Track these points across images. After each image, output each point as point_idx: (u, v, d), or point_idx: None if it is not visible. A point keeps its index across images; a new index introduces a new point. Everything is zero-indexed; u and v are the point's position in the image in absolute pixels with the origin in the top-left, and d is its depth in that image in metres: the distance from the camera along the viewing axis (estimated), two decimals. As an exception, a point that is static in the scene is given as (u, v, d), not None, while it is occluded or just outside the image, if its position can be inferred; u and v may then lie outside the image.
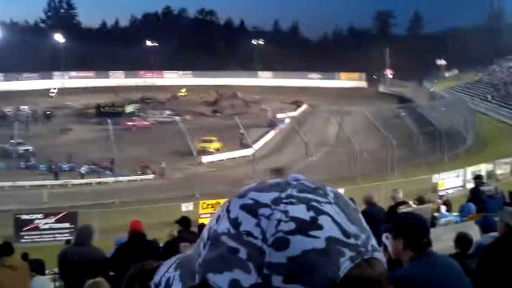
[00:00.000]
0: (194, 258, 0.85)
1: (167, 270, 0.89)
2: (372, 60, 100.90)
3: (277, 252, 0.76)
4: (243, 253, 0.78)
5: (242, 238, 0.79)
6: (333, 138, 53.54)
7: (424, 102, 64.63)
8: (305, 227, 0.77)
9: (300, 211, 0.79)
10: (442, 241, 7.63)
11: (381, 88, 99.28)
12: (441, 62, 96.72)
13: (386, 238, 3.87)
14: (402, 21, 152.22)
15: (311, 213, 0.79)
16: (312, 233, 0.77)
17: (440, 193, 25.55)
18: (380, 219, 9.23)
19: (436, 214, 13.35)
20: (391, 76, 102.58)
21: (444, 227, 11.50)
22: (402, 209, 9.39)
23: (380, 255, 0.82)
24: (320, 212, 0.79)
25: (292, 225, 0.78)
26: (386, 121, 47.71)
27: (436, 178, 30.79)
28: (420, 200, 11.99)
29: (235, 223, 0.81)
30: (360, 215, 0.85)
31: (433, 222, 11.16)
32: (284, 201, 0.81)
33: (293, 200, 0.81)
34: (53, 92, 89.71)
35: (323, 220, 0.78)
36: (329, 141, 53.00)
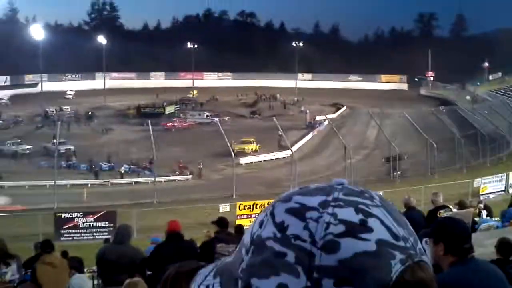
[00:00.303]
0: (235, 264, 0.83)
1: (205, 278, 0.88)
2: (414, 62, 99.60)
3: (327, 255, 0.75)
4: (291, 257, 0.76)
5: (290, 242, 0.77)
6: (373, 140, 53.07)
7: (467, 105, 63.43)
8: (355, 230, 0.76)
9: (349, 214, 0.78)
10: (483, 247, 7.45)
11: (422, 91, 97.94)
12: (485, 64, 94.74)
13: (426, 243, 3.78)
14: (444, 23, 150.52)
15: (360, 216, 0.78)
16: (363, 235, 0.76)
17: (481, 198, 25.01)
18: (419, 223, 9.05)
19: (477, 219, 13.08)
20: (432, 79, 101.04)
21: (485, 232, 11.25)
22: (443, 213, 9.19)
23: (427, 259, 0.81)
24: (369, 214, 0.78)
25: (341, 228, 0.77)
26: (427, 123, 47.02)
27: (477, 182, 30.17)
28: (461, 205, 11.73)
29: (282, 227, 0.79)
30: (405, 219, 0.83)
31: (474, 227, 10.92)
32: (332, 204, 0.80)
33: (341, 203, 0.80)
34: (70, 94, 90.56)
35: (372, 222, 0.78)
36: (368, 144, 52.54)
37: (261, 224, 0.82)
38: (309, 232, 0.77)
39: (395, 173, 37.25)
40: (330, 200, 0.80)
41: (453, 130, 42.93)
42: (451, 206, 11.25)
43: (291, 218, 0.79)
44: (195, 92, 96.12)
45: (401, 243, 0.78)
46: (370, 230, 0.77)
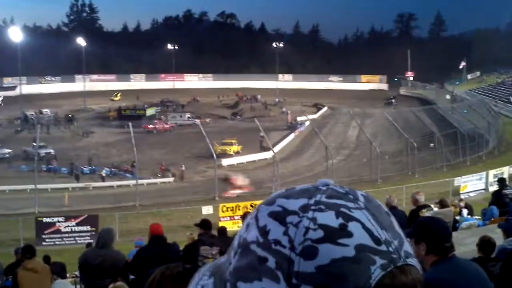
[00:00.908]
0: (225, 266, 0.83)
1: (201, 277, 0.87)
2: (393, 62, 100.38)
3: (305, 261, 0.74)
4: (271, 262, 0.76)
5: (271, 247, 0.77)
6: (354, 140, 53.37)
7: (446, 104, 64.04)
8: (334, 235, 0.75)
9: (329, 218, 0.77)
10: (464, 245, 7.55)
11: (402, 91, 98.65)
12: (463, 64, 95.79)
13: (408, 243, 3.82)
14: (423, 23, 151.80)
15: (340, 220, 0.76)
16: (341, 241, 0.74)
17: (462, 196, 25.27)
18: (401, 223, 9.12)
19: (458, 217, 13.21)
20: (412, 79, 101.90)
21: (466, 231, 11.38)
22: (425, 212, 9.27)
23: (414, 261, 0.79)
24: (350, 218, 0.77)
25: (320, 233, 0.75)
26: (407, 123, 47.40)
27: (458, 181, 30.49)
28: (442, 203, 11.83)
29: (264, 231, 0.79)
30: (393, 219, 0.82)
31: (455, 225, 11.04)
32: (313, 207, 0.78)
33: (322, 207, 0.78)
34: None
35: (352, 227, 0.76)
36: (349, 144, 52.82)
37: (247, 227, 0.82)
38: (289, 238, 0.76)
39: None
40: (311, 204, 0.79)
41: (432, 129, 43.31)
42: (432, 205, 11.35)
43: (273, 223, 0.79)
44: (117, 94, 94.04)
45: (383, 247, 0.76)
46: (349, 235, 0.75)
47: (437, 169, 38.00)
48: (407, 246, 0.80)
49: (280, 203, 0.81)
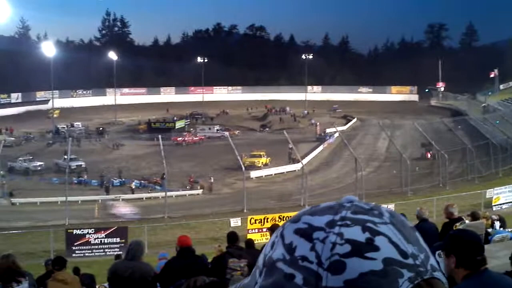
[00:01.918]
0: (251, 286, 0.83)
1: None
2: (424, 73, 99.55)
3: (333, 276, 0.75)
4: (299, 279, 0.76)
5: (298, 263, 0.77)
6: (384, 152, 52.91)
7: (478, 115, 63.14)
8: (361, 249, 0.76)
9: (355, 233, 0.78)
10: (497, 258, 7.34)
11: (433, 102, 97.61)
12: (495, 74, 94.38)
13: (439, 256, 3.73)
14: (455, 33, 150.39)
15: (367, 235, 0.77)
16: (369, 254, 0.75)
17: (494, 208, 24.77)
18: (432, 235, 8.96)
19: (490, 230, 12.91)
20: (443, 89, 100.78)
21: (498, 244, 11.09)
22: (458, 226, 9.07)
23: (440, 275, 0.80)
24: (376, 233, 0.78)
25: (347, 248, 0.76)
26: (438, 134, 46.81)
27: (490, 193, 29.89)
28: (474, 216, 11.57)
29: (290, 248, 0.79)
30: (418, 234, 0.82)
31: (487, 238, 10.79)
32: (339, 223, 0.79)
33: (348, 222, 0.79)
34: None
35: (379, 241, 0.77)
36: (379, 156, 52.37)
37: (272, 246, 0.83)
38: (316, 253, 0.77)
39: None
40: (337, 220, 0.80)
41: (464, 140, 42.68)
42: (464, 218, 11.13)
43: (299, 239, 0.79)
44: (56, 111, 80.00)
45: (410, 261, 0.76)
46: (376, 248, 0.76)
47: (469, 181, 37.37)
48: (433, 260, 0.80)
49: (306, 220, 0.82)
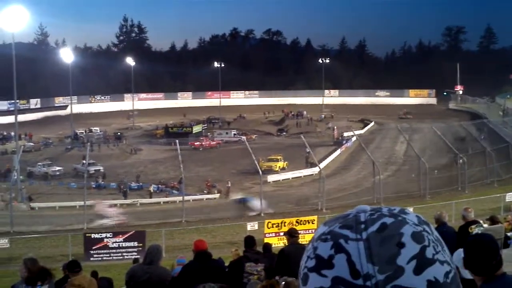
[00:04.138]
0: None
1: None
2: (442, 76, 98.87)
3: (302, 287, 0.85)
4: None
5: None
6: (402, 156, 52.53)
7: (497, 118, 62.47)
8: (320, 265, 0.81)
9: (325, 249, 0.82)
10: (518, 263, 7.21)
11: (451, 105, 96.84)
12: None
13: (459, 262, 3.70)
14: (473, 36, 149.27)
15: (331, 251, 0.81)
16: (324, 271, 0.81)
17: (514, 212, 24.40)
18: (450, 238, 8.84)
19: (509, 234, 12.73)
20: (461, 92, 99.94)
21: (519, 248, 10.92)
22: (474, 228, 8.95)
23: None
24: (340, 250, 0.81)
25: (313, 262, 0.83)
26: (457, 138, 46.39)
27: (509, 196, 29.49)
28: (493, 220, 11.41)
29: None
30: (403, 252, 0.81)
31: (507, 242, 10.63)
32: (322, 237, 0.84)
33: (328, 237, 0.83)
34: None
35: (338, 259, 0.80)
36: (397, 159, 52.02)
37: None
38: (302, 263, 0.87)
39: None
40: (325, 233, 0.85)
41: (483, 143, 42.23)
42: (481, 221, 10.98)
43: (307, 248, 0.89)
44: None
45: (359, 281, 0.78)
46: (331, 266, 0.80)
47: (488, 185, 36.95)
48: (403, 281, 0.79)
49: (318, 229, 0.90)
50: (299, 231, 11.81)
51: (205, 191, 43.48)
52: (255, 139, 64.90)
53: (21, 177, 42.18)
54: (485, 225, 10.42)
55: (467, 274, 3.74)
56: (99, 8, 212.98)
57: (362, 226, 0.83)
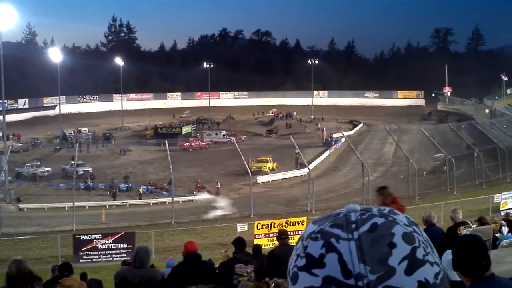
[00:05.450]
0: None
1: None
2: (430, 77, 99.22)
3: (292, 286, 0.84)
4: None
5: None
6: (390, 157, 52.73)
7: (485, 119, 62.86)
8: (311, 264, 0.81)
9: (316, 248, 0.82)
10: (505, 263, 7.30)
11: (440, 106, 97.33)
12: (503, 78, 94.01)
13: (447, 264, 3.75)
14: (461, 38, 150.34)
15: (322, 250, 0.81)
16: (314, 270, 0.80)
17: (502, 213, 24.59)
18: (439, 240, 8.92)
19: (497, 235, 12.84)
20: (449, 94, 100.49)
21: (507, 249, 11.02)
22: (462, 229, 9.04)
23: None
24: (331, 249, 0.80)
25: (303, 261, 0.82)
26: (445, 139, 46.61)
27: (498, 197, 29.72)
28: (481, 221, 11.52)
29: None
30: (394, 252, 0.81)
31: (495, 243, 10.73)
32: (313, 236, 0.84)
33: (318, 236, 0.83)
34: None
35: (329, 258, 0.80)
36: (386, 161, 52.21)
37: None
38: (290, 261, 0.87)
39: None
40: (315, 231, 0.84)
41: (471, 145, 42.48)
42: (470, 223, 11.08)
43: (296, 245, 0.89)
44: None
45: (351, 281, 0.78)
46: (322, 265, 0.80)
47: (476, 186, 37.19)
48: (394, 281, 0.79)
49: (307, 227, 0.89)
50: (289, 232, 11.85)
51: (194, 192, 43.45)
52: (244, 140, 64.96)
53: (9, 178, 41.92)
54: (474, 226, 10.51)
55: (455, 276, 3.79)
56: (87, 7, 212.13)
57: (353, 225, 0.83)
